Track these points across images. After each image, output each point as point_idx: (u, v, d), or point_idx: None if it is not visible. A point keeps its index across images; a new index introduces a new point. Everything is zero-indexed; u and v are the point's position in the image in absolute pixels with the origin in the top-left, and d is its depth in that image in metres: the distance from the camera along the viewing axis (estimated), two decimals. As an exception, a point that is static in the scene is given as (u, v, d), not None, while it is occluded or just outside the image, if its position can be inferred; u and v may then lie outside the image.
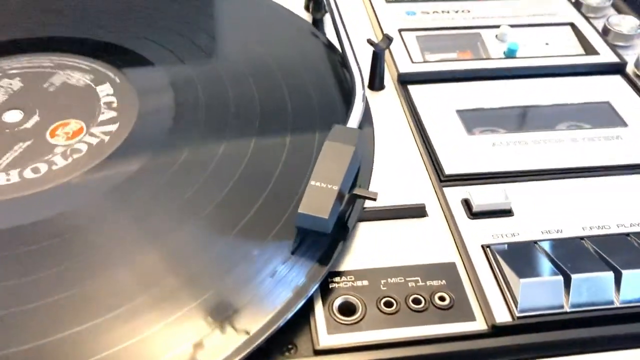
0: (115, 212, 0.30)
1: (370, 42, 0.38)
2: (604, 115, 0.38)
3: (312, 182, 0.28)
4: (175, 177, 0.32)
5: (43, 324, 0.25)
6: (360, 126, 0.34)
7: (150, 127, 0.35)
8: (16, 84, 0.37)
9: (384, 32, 0.39)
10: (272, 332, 0.25)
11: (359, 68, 0.37)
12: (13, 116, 0.36)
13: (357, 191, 0.29)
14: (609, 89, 0.40)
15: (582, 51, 0.43)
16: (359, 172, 0.32)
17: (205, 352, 0.24)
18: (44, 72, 0.39)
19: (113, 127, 0.35)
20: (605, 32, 0.45)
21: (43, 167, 0.32)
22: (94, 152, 0.33)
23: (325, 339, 0.26)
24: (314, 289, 0.27)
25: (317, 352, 0.26)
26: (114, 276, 0.27)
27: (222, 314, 0.25)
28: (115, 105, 0.36)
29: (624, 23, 0.45)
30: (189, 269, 0.27)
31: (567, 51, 0.43)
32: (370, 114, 0.37)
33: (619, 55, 0.42)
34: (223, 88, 0.37)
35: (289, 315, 0.26)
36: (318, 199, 0.28)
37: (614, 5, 0.49)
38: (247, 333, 0.25)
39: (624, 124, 0.37)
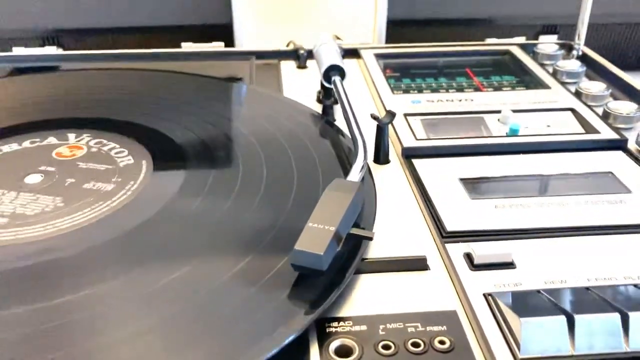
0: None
1: (373, 116, 0.40)
2: (607, 184, 0.39)
3: (310, 224, 0.29)
4: (188, 223, 0.33)
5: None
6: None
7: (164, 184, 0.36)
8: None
9: (390, 109, 0.41)
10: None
11: (362, 135, 0.38)
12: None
13: (353, 231, 0.29)
14: (612, 162, 0.41)
15: (583, 131, 0.45)
16: (359, 225, 0.33)
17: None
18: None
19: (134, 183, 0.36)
20: (605, 116, 0.46)
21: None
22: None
23: (320, 378, 0.26)
24: (306, 325, 0.27)
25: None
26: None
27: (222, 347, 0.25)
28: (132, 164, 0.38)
29: (623, 107, 0.47)
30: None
31: (569, 131, 0.45)
32: (372, 179, 0.38)
33: (619, 133, 0.43)
34: (235, 158, 0.39)
35: (276, 349, 0.25)
36: (314, 238, 0.28)
37: (612, 95, 0.51)
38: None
39: (628, 191, 0.38)
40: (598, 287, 0.29)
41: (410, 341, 0.27)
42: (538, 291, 0.29)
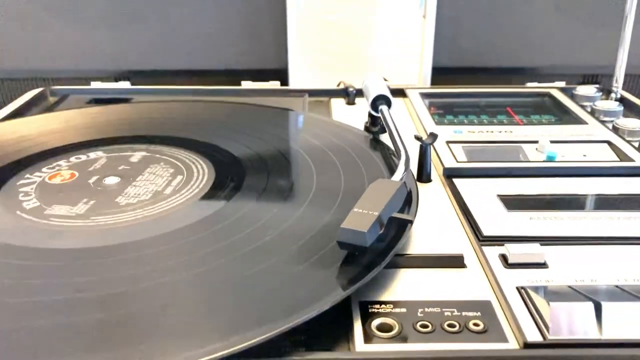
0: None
1: (417, 137, 0.44)
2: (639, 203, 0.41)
3: (355, 209, 0.32)
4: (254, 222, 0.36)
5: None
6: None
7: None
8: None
9: (432, 131, 0.45)
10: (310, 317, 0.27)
11: (405, 148, 0.42)
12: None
13: (395, 215, 0.32)
14: (645, 186, 0.43)
15: (618, 159, 0.47)
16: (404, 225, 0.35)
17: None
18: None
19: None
20: (641, 148, 0.49)
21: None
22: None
23: (362, 347, 0.28)
24: (346, 294, 0.29)
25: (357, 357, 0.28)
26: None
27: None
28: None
29: (659, 141, 0.49)
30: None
31: (604, 158, 0.47)
32: (416, 185, 0.41)
33: (653, 162, 0.45)
34: (289, 169, 0.43)
35: (326, 306, 0.28)
36: (359, 219, 0.31)
37: (649, 130, 0.53)
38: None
39: (660, 210, 0.40)
40: (628, 285, 0.31)
41: (447, 322, 0.29)
42: (569, 286, 0.31)
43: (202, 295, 0.30)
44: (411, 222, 0.33)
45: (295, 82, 0.71)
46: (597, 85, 0.65)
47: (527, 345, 0.28)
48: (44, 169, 0.44)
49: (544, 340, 0.28)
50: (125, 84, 0.68)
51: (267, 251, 0.33)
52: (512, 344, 0.28)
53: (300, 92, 0.63)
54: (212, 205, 0.39)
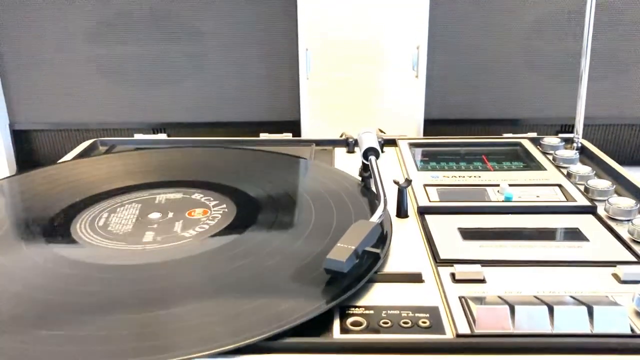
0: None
1: (395, 181, 0.55)
2: (573, 235, 0.51)
3: (338, 244, 0.43)
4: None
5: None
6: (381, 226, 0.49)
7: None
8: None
9: (407, 177, 0.56)
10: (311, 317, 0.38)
11: (384, 194, 0.52)
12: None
13: (368, 248, 0.43)
14: (581, 222, 0.53)
15: (564, 199, 0.57)
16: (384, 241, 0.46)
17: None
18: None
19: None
20: (586, 191, 0.59)
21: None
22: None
23: (338, 336, 0.38)
24: (332, 305, 0.40)
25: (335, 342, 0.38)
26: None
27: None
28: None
29: (600, 184, 0.59)
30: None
31: (553, 199, 0.57)
32: (391, 225, 0.51)
33: (592, 202, 0.55)
34: (292, 206, 0.54)
35: (314, 314, 0.39)
36: (340, 252, 0.42)
37: (596, 175, 0.63)
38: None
39: (587, 240, 0.49)
40: (543, 295, 0.41)
41: (402, 321, 0.40)
42: (498, 296, 0.41)
43: (224, 302, 0.41)
44: (379, 255, 0.44)
45: (306, 132, 0.83)
46: (561, 136, 0.75)
47: (459, 335, 0.38)
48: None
49: (471, 333, 0.38)
50: (162, 136, 0.81)
51: (274, 270, 0.44)
52: (449, 335, 0.38)
53: (308, 142, 0.75)
54: (230, 236, 0.50)
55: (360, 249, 0.44)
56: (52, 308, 0.41)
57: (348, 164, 0.69)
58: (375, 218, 0.48)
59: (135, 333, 0.38)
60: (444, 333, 0.39)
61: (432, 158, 0.70)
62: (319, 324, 0.40)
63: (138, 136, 0.79)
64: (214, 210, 0.55)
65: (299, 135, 0.82)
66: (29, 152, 0.87)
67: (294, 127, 0.84)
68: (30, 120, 0.85)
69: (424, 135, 0.83)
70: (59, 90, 0.83)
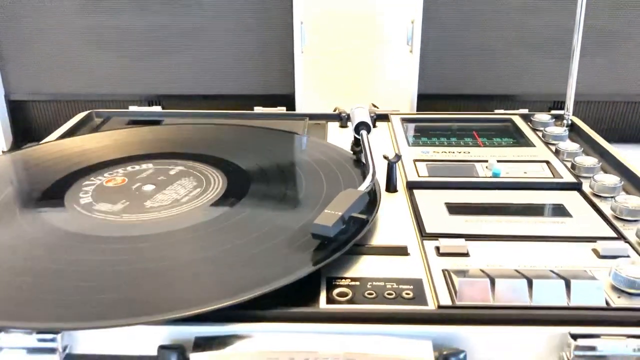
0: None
1: (384, 156, 0.55)
2: (557, 211, 0.52)
3: (326, 210, 0.44)
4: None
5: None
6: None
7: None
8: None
9: (397, 153, 0.57)
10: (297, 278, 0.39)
11: (374, 167, 0.53)
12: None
13: (353, 214, 0.44)
14: (566, 198, 0.54)
15: (551, 175, 0.58)
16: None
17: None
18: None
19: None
20: (572, 167, 0.60)
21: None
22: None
23: (325, 306, 0.40)
24: (317, 267, 0.42)
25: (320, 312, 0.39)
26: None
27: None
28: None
29: (586, 161, 0.60)
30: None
31: (540, 176, 0.58)
32: (379, 195, 0.52)
33: (577, 178, 0.56)
34: (285, 180, 0.56)
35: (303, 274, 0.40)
36: (327, 217, 0.43)
37: (584, 152, 0.64)
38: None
39: (570, 216, 0.51)
40: (523, 269, 0.42)
41: (387, 292, 0.41)
42: (480, 269, 0.43)
43: (217, 267, 0.42)
44: (367, 220, 0.45)
45: (300, 105, 0.83)
46: (552, 113, 0.76)
47: (440, 307, 0.39)
48: (105, 174, 0.58)
49: (452, 304, 0.39)
50: (157, 108, 0.81)
51: (266, 238, 0.46)
52: (431, 306, 0.40)
53: (302, 116, 0.76)
54: (223, 207, 0.51)
55: (347, 214, 0.45)
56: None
57: (341, 138, 0.70)
58: (363, 187, 0.49)
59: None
60: (426, 304, 0.40)
61: (423, 133, 0.71)
62: (307, 294, 0.41)
63: (132, 108, 0.80)
64: (208, 183, 0.56)
65: (293, 109, 0.83)
66: (25, 122, 0.88)
67: (288, 100, 0.85)
68: (26, 91, 0.85)
69: (417, 110, 0.83)
70: (54, 62, 0.83)
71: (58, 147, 0.66)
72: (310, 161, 0.60)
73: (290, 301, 0.40)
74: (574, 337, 0.37)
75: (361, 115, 0.63)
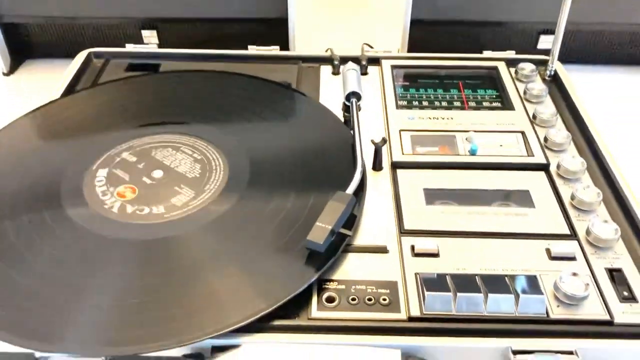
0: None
1: (372, 141, 0.60)
2: (522, 200, 0.58)
3: (318, 223, 0.51)
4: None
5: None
6: (356, 194, 0.56)
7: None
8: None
9: (383, 136, 0.61)
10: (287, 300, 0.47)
11: (362, 158, 0.59)
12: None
13: (341, 230, 0.51)
14: (533, 181, 0.60)
15: (525, 152, 0.63)
16: (353, 222, 0.54)
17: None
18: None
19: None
20: (545, 140, 0.65)
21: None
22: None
23: (315, 313, 0.48)
24: (313, 279, 0.49)
25: (310, 320, 0.48)
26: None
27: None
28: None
29: (559, 135, 0.65)
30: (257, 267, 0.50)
31: (514, 152, 0.63)
32: (366, 184, 0.59)
33: (546, 158, 0.62)
34: (268, 155, 0.61)
35: (303, 287, 0.48)
36: (319, 232, 0.50)
37: (560, 114, 0.69)
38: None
39: (533, 207, 0.57)
40: (481, 275, 0.50)
41: (367, 297, 0.49)
42: (446, 274, 0.50)
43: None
44: (350, 236, 0.52)
45: (294, 38, 0.85)
46: (537, 57, 0.78)
47: (411, 318, 0.48)
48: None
49: (421, 314, 0.48)
50: (153, 47, 0.82)
51: (265, 250, 0.53)
52: (403, 315, 0.48)
53: (295, 60, 0.78)
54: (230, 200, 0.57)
55: (336, 227, 0.51)
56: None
57: (333, 88, 0.73)
58: (350, 189, 0.55)
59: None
60: (399, 311, 0.48)
61: (412, 83, 0.74)
62: (300, 300, 0.49)
63: (129, 47, 0.81)
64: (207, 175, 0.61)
65: (287, 40, 0.84)
66: (19, 44, 0.89)
67: (283, 25, 0.85)
68: (18, 13, 0.85)
69: (409, 43, 0.85)
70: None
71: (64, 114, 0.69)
72: (302, 126, 0.65)
73: (286, 309, 0.48)
74: (515, 352, 0.46)
75: (352, 82, 0.66)
